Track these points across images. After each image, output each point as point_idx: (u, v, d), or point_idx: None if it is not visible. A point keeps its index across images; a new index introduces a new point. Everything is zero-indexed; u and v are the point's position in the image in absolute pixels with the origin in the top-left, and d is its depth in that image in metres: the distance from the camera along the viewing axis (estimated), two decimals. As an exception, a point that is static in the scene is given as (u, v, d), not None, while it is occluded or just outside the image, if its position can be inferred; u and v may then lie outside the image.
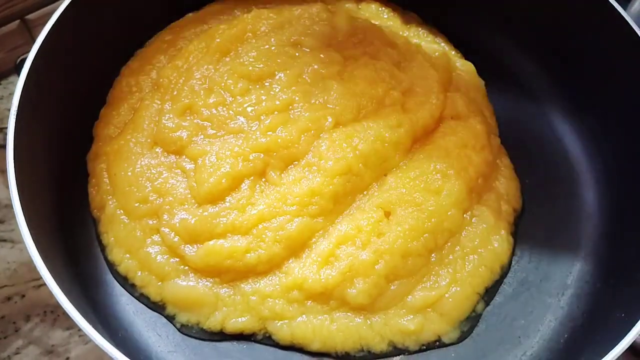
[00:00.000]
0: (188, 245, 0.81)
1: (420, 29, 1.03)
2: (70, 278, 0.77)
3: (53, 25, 0.83)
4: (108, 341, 0.65)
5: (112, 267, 0.85)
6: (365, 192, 0.85)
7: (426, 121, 0.89)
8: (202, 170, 0.83)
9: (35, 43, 0.81)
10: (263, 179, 0.84)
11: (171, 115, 0.88)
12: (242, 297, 0.80)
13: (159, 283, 0.82)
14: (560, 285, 0.87)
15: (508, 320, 0.84)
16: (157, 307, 0.83)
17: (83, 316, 0.65)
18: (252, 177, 0.83)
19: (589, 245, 0.91)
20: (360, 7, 1.01)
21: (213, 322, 0.80)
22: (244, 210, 0.81)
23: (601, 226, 0.92)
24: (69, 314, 0.65)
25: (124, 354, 0.65)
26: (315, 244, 0.81)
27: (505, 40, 1.06)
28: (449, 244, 0.84)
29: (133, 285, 0.84)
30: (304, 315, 0.80)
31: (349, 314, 0.80)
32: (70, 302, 0.65)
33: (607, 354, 0.68)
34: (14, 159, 0.73)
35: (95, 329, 0.66)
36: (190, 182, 0.84)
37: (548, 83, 1.04)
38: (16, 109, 0.76)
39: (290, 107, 0.86)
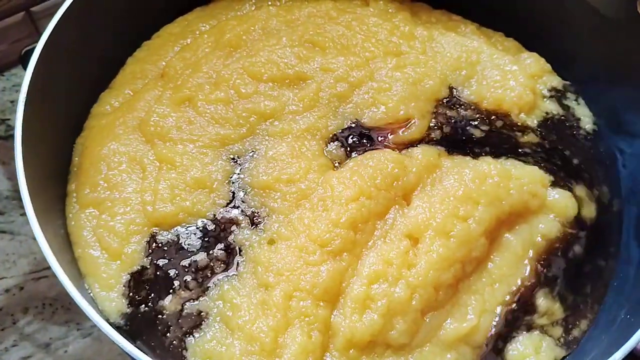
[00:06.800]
0: None
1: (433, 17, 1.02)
2: (70, 270, 0.76)
3: (61, 16, 0.82)
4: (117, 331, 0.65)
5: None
6: (385, 218, 0.80)
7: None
8: (157, 191, 0.79)
9: (44, 33, 0.80)
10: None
11: (167, 102, 0.85)
12: None
13: None
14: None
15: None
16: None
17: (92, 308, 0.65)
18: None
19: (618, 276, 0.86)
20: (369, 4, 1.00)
21: None
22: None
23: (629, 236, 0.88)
24: (80, 306, 0.64)
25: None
26: (348, 287, 0.75)
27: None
28: (476, 272, 0.79)
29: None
30: None
31: (391, 357, 0.75)
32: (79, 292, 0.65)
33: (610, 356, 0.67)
34: (22, 149, 0.73)
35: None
36: (144, 195, 0.79)
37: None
38: (24, 98, 0.75)
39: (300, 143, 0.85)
